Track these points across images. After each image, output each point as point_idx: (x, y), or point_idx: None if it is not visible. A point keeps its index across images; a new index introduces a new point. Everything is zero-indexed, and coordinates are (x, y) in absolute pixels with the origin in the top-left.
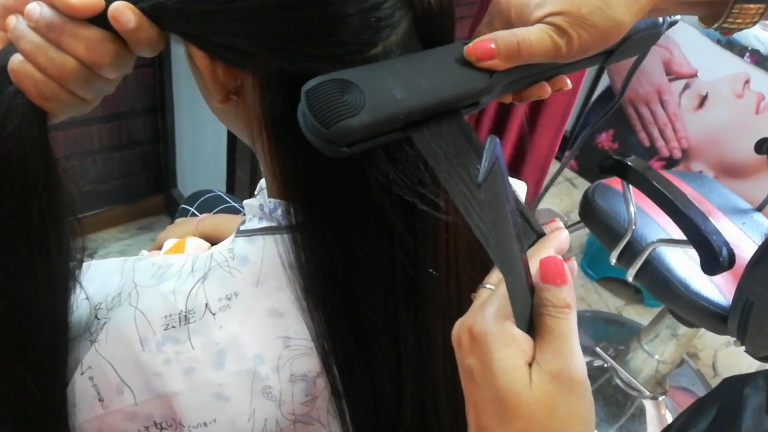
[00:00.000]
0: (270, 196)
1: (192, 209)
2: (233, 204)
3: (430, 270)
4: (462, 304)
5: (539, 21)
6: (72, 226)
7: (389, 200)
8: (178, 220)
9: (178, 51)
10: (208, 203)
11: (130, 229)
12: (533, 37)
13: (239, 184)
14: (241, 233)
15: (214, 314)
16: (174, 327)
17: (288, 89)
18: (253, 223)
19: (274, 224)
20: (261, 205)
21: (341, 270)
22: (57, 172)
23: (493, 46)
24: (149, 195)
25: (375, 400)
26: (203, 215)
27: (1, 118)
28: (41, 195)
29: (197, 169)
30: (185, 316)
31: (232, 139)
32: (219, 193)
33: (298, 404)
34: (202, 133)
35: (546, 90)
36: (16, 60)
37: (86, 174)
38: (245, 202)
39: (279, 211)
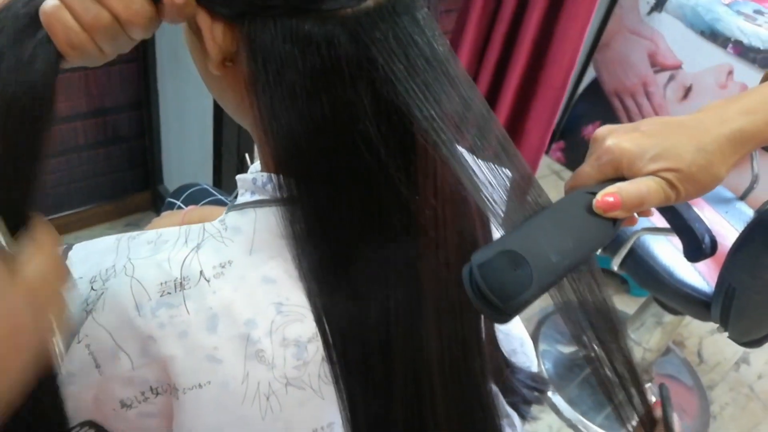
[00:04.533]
0: (262, 170)
1: (178, 202)
2: (220, 197)
3: (418, 236)
4: (450, 264)
5: (652, 173)
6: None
7: (377, 165)
8: (164, 213)
9: (163, 46)
10: (194, 196)
11: (116, 225)
12: (651, 190)
13: (226, 179)
14: (233, 207)
15: (208, 281)
16: (169, 293)
17: (282, 50)
18: (245, 197)
19: (266, 197)
20: (254, 178)
21: (333, 236)
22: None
23: (616, 199)
24: (136, 191)
25: (365, 364)
26: (190, 207)
27: (29, 63)
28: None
29: (184, 165)
30: (180, 282)
31: (218, 133)
32: (205, 186)
33: (290, 368)
34: (188, 128)
35: (635, 221)
36: (50, 3)
37: (72, 170)
38: (238, 176)
39: (271, 185)
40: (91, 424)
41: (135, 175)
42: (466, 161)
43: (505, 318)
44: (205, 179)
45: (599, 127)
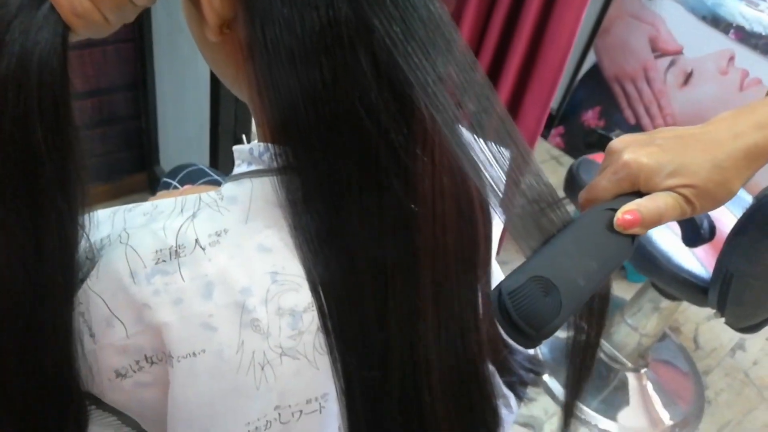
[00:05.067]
0: (259, 140)
1: (174, 182)
2: (216, 177)
3: (417, 205)
4: (447, 240)
5: (669, 189)
6: (82, 175)
7: (377, 131)
8: (159, 193)
9: (159, 26)
10: (190, 176)
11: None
12: (669, 206)
13: (222, 161)
14: (229, 178)
15: (203, 248)
16: (164, 261)
17: (281, 13)
18: (242, 168)
19: (262, 167)
20: (251, 149)
21: (330, 205)
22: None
23: (636, 216)
24: (132, 173)
25: (361, 336)
26: (185, 187)
27: (36, 34)
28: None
29: (180, 146)
30: (175, 250)
31: (214, 114)
32: (201, 166)
33: (285, 337)
34: (185, 109)
35: (645, 232)
36: None
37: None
38: (235, 147)
39: (268, 155)
40: (91, 397)
41: (131, 156)
42: (466, 135)
43: (535, 344)
44: (202, 160)
45: (599, 113)
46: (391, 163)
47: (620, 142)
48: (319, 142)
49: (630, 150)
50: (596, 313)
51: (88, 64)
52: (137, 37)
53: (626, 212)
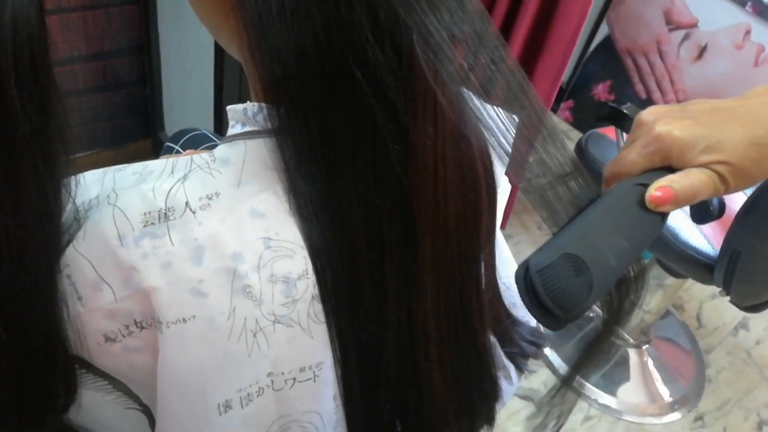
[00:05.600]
0: (252, 100)
1: (176, 147)
2: (219, 143)
3: (416, 170)
4: (449, 207)
5: (703, 165)
6: (65, 140)
7: (373, 89)
8: (162, 158)
9: None
10: (193, 141)
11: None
12: (703, 183)
13: (227, 126)
14: (223, 140)
15: (194, 212)
16: (153, 224)
17: None
18: (236, 129)
19: (256, 128)
20: (245, 109)
21: (325, 169)
22: (50, 64)
23: (669, 193)
24: (136, 138)
25: (357, 304)
26: (188, 151)
27: None
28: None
29: (185, 112)
30: (165, 213)
31: (219, 79)
32: (205, 131)
33: (278, 305)
34: (190, 74)
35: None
36: None
37: (70, 116)
38: (228, 107)
39: (261, 115)
40: (80, 361)
41: (136, 121)
42: (470, 96)
43: (561, 326)
44: (207, 126)
45: (609, 86)
46: (388, 125)
47: (651, 113)
48: (310, 101)
49: (663, 122)
50: (630, 296)
51: (92, 26)
52: (142, 0)
53: (658, 188)
